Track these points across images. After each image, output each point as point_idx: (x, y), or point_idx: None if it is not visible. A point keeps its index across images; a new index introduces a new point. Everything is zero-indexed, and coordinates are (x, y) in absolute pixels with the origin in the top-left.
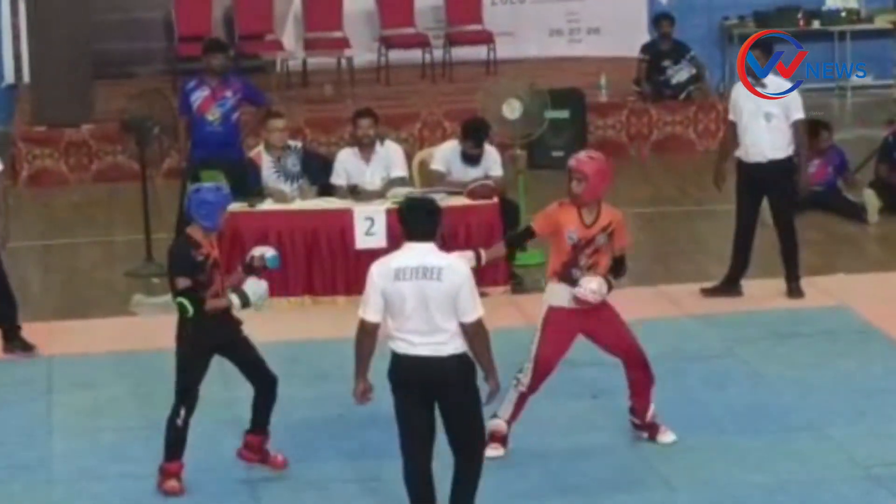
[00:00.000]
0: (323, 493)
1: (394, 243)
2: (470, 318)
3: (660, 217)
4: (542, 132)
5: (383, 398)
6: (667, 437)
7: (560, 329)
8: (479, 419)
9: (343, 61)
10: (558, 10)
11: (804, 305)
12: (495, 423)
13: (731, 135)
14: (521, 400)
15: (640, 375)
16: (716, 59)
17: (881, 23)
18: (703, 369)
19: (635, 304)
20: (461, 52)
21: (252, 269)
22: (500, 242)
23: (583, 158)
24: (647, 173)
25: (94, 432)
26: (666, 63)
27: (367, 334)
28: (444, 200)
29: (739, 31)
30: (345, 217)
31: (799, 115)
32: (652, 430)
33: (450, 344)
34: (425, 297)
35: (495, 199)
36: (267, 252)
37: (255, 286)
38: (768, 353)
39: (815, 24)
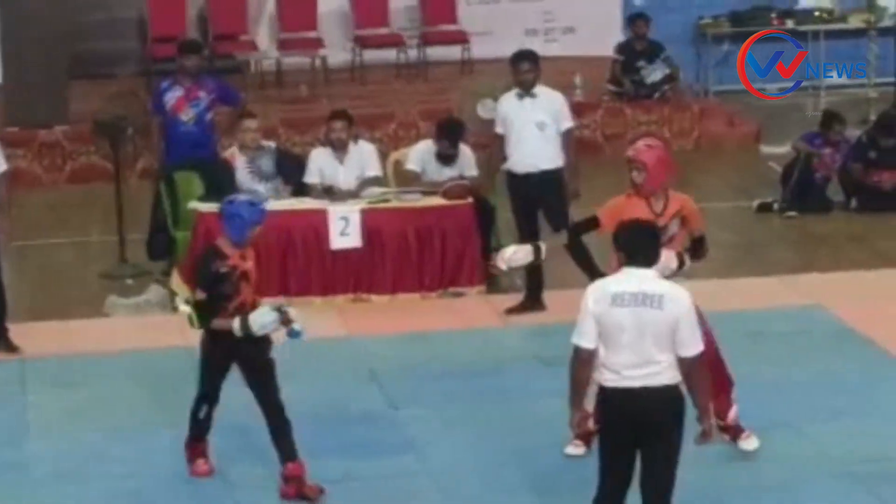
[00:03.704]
0: None
1: (368, 244)
2: (690, 351)
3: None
4: None
5: (357, 397)
6: (749, 443)
7: None
8: (675, 463)
9: (317, 61)
10: (533, 9)
11: (780, 304)
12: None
13: (498, 148)
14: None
15: (717, 376)
16: (690, 58)
17: (855, 22)
18: None
19: None
20: (436, 52)
21: (282, 319)
22: (562, 232)
23: (640, 147)
24: (622, 173)
25: (72, 433)
26: (640, 63)
27: (583, 362)
28: (419, 200)
29: (714, 30)
30: (319, 217)
31: (569, 124)
32: (734, 432)
33: (664, 374)
34: (643, 326)
35: (470, 200)
36: (296, 325)
37: (263, 317)
38: (744, 352)
39: (789, 24)
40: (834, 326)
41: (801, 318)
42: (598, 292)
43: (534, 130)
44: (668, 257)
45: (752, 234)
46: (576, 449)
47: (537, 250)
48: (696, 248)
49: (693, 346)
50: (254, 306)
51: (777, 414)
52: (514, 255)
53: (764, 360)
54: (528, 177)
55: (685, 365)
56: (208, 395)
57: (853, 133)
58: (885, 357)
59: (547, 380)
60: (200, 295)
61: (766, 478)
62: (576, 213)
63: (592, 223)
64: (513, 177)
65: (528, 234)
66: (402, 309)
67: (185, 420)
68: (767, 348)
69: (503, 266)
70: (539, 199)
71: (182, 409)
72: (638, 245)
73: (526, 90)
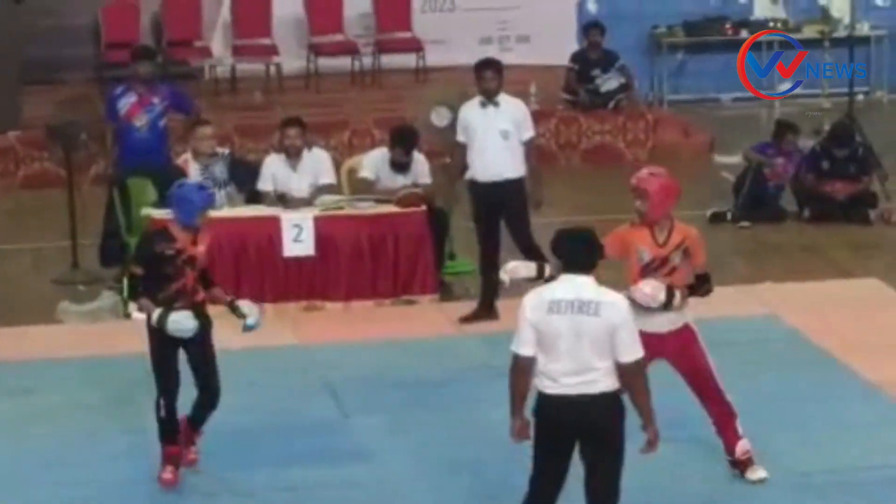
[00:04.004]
0: (250, 502)
1: (322, 251)
2: (628, 357)
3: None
4: None
5: (310, 406)
6: (755, 473)
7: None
8: (618, 469)
9: (272, 68)
10: (488, 18)
11: (734, 314)
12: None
13: (460, 157)
14: None
15: (716, 409)
16: (645, 68)
17: (809, 32)
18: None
19: None
20: (390, 60)
21: (232, 309)
22: None
23: (643, 176)
24: (576, 182)
25: (24, 440)
26: (595, 72)
27: (522, 370)
28: (373, 208)
29: (669, 40)
30: (272, 224)
31: (531, 133)
32: (744, 466)
33: (601, 381)
34: (580, 333)
35: (424, 208)
36: (249, 319)
37: (182, 322)
38: None
39: (744, 34)
40: (788, 336)
41: (755, 328)
42: (534, 300)
43: (497, 139)
44: (655, 288)
45: (705, 243)
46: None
47: (541, 269)
48: (701, 285)
49: (631, 352)
50: (194, 292)
51: None
52: (515, 268)
53: (718, 370)
54: (491, 185)
55: (624, 371)
56: (162, 385)
57: (806, 143)
58: (839, 367)
59: (499, 389)
60: (136, 269)
61: (719, 487)
62: (536, 223)
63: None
64: (476, 185)
65: (488, 242)
66: (355, 317)
67: (137, 426)
68: (722, 358)
69: (505, 277)
70: (502, 208)
71: (135, 415)
72: (574, 252)
73: (489, 98)
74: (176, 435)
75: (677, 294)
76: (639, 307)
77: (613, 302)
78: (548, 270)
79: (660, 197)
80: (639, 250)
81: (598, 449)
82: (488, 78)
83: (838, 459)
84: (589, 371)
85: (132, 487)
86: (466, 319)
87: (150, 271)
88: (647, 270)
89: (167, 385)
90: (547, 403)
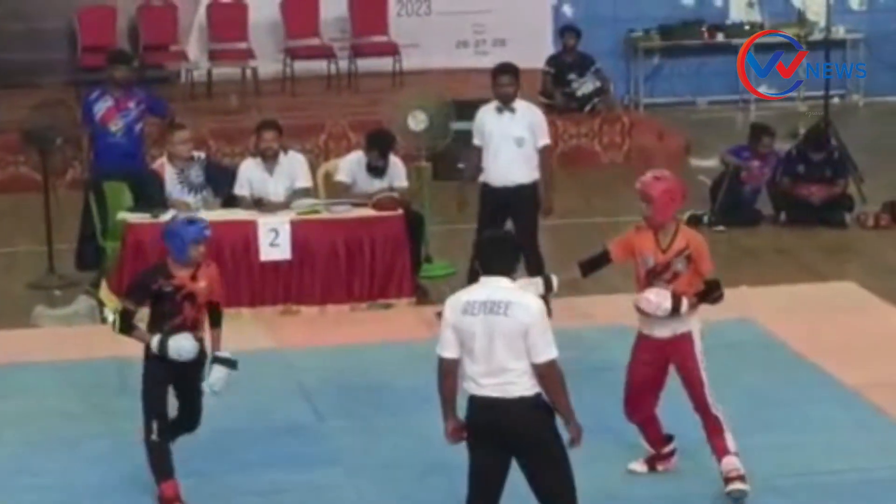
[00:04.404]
0: None
1: (298, 255)
2: (541, 358)
3: (567, 229)
4: (447, 144)
5: (285, 409)
6: (733, 485)
7: (642, 355)
8: (563, 470)
9: (248, 72)
10: (464, 21)
11: (708, 318)
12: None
13: (475, 159)
14: (640, 427)
15: (705, 422)
16: (621, 71)
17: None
18: (609, 381)
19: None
20: (367, 64)
21: (212, 360)
22: (574, 267)
23: (647, 180)
24: (553, 185)
25: (1, 445)
26: (571, 75)
27: (445, 373)
28: (349, 212)
29: (645, 44)
30: (249, 228)
31: (546, 140)
32: (725, 481)
33: (518, 384)
34: (492, 333)
35: (400, 211)
36: (216, 382)
37: (183, 343)
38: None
39: (720, 37)
40: (763, 340)
41: (730, 332)
42: (454, 302)
43: (512, 146)
44: (660, 296)
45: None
46: (640, 466)
47: (549, 284)
48: (707, 292)
49: (544, 353)
50: (195, 327)
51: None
52: (523, 287)
53: None
54: (503, 190)
55: (539, 372)
56: (152, 410)
57: (782, 146)
58: (814, 371)
59: None
60: (128, 305)
61: (691, 491)
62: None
63: (605, 257)
64: (487, 189)
65: None
66: (331, 320)
67: (112, 430)
68: None
69: (649, 309)
70: (510, 213)
71: (110, 419)
72: (491, 254)
73: (505, 104)
74: (170, 463)
75: (684, 301)
76: (645, 314)
77: (524, 302)
78: (556, 283)
79: (664, 201)
80: (643, 256)
81: (531, 453)
82: (504, 83)
83: (809, 462)
84: (505, 372)
85: (107, 492)
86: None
87: (151, 308)
88: (651, 275)
89: (160, 409)
90: (472, 405)
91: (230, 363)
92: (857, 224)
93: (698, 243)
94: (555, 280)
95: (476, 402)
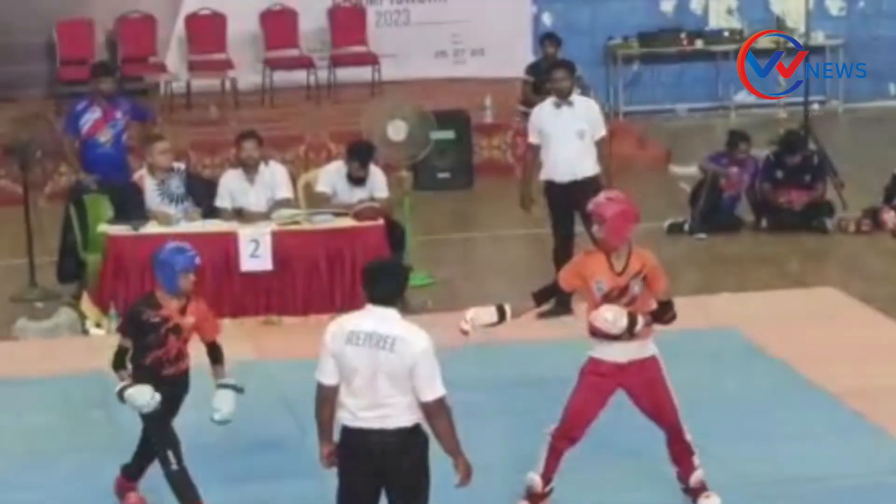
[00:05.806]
0: None
1: (279, 266)
2: (428, 396)
3: (547, 238)
4: (427, 153)
5: (267, 420)
6: (709, 499)
7: (595, 382)
8: (420, 502)
9: (227, 83)
10: (443, 31)
11: (690, 326)
12: (529, 478)
13: (532, 157)
14: (553, 452)
15: (676, 447)
16: (600, 79)
17: (764, 43)
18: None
19: (516, 327)
20: (346, 74)
21: (217, 386)
22: (529, 301)
23: (600, 201)
24: (533, 194)
25: None
26: None
27: (324, 399)
28: (330, 222)
29: (624, 51)
30: (229, 239)
31: (603, 132)
32: (695, 494)
33: (399, 417)
34: (376, 368)
35: (381, 221)
36: (216, 414)
37: (140, 397)
38: None
39: (699, 44)
40: (744, 347)
41: (711, 340)
42: (335, 329)
43: (574, 139)
44: (616, 314)
45: (662, 255)
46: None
47: (502, 313)
48: (664, 311)
49: (430, 391)
50: (177, 360)
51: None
52: (476, 315)
53: (674, 381)
54: (570, 185)
55: (426, 410)
56: (164, 438)
57: (760, 152)
58: (795, 378)
59: (457, 404)
60: (123, 342)
61: (674, 499)
62: (490, 236)
63: (555, 288)
64: (553, 186)
65: (567, 242)
66: (313, 331)
67: (94, 444)
68: (678, 370)
69: (467, 327)
70: (577, 206)
71: (92, 433)
72: (376, 281)
73: (562, 98)
74: (194, 488)
75: (640, 320)
76: (600, 334)
77: (409, 338)
78: (509, 311)
79: (616, 222)
80: (596, 281)
81: (395, 485)
82: (560, 78)
83: (792, 469)
84: (385, 406)
85: None
86: (544, 315)
87: (133, 338)
88: (607, 301)
89: (171, 438)
90: (345, 435)
91: (236, 389)
92: (839, 230)
93: (653, 264)
94: (508, 309)
95: (352, 434)
